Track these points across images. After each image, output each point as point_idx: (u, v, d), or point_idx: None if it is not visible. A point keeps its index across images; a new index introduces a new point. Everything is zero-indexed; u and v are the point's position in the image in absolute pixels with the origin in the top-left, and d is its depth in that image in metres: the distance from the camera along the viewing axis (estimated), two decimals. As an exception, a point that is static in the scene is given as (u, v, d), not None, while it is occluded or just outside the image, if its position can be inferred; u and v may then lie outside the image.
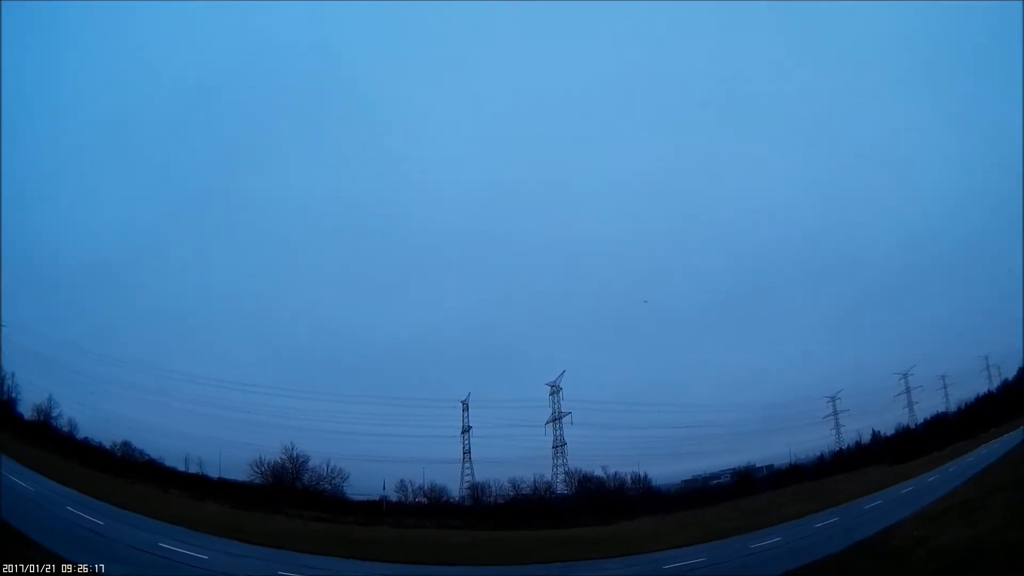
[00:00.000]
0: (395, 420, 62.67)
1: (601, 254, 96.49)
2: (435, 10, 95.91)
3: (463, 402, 69.41)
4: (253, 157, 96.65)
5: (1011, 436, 53.07)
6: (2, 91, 67.74)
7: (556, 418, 70.56)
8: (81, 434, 62.02)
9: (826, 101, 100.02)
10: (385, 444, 64.19)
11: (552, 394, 70.71)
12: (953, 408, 71.29)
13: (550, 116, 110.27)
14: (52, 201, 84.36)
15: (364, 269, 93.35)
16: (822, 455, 72.35)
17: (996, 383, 67.88)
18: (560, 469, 69.53)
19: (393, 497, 65.09)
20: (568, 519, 60.78)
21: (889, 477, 58.67)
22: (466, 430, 69.53)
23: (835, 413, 75.03)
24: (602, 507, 63.55)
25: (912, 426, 70.69)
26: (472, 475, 68.37)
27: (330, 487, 63.46)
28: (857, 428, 73.32)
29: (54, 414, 62.64)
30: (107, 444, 61.37)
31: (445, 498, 66.67)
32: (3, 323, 60.91)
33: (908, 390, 74.07)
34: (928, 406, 72.05)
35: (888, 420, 71.73)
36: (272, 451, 62.17)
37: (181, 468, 62.40)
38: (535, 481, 67.67)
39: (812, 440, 73.39)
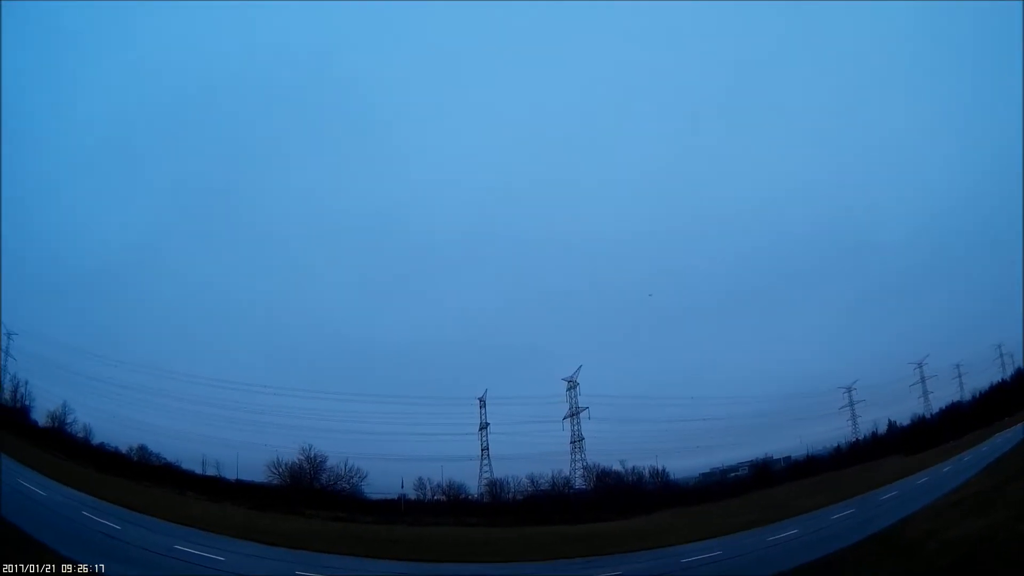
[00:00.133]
0: (413, 418, 63.24)
1: (616, 253, 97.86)
2: (437, 12, 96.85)
3: (480, 399, 69.86)
4: (259, 159, 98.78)
5: (1024, 425, 53.02)
6: (2, 93, 68.82)
7: (574, 413, 70.85)
8: (96, 439, 62.52)
9: (838, 97, 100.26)
10: (403, 443, 65.43)
11: (569, 389, 71.05)
12: (968, 397, 71.59)
13: (562, 120, 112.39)
14: (55, 205, 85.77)
15: (379, 272, 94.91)
16: (839, 446, 72.92)
17: (1009, 372, 68.21)
18: (578, 464, 70.05)
19: (411, 495, 65.38)
20: (586, 514, 60.88)
21: (905, 468, 58.78)
22: (484, 427, 69.89)
23: (851, 403, 75.34)
24: (620, 502, 63.56)
25: (928, 416, 70.93)
26: (490, 472, 68.92)
27: (348, 487, 63.55)
28: (873, 418, 73.86)
29: (68, 420, 63.21)
30: (123, 449, 61.90)
31: (463, 495, 66.95)
32: (14, 331, 62.38)
33: (923, 379, 74.16)
34: (943, 395, 72.44)
35: (904, 410, 72.12)
36: (290, 452, 62.50)
37: (198, 471, 62.92)
38: (553, 477, 68.18)
39: (829, 431, 73.91)
